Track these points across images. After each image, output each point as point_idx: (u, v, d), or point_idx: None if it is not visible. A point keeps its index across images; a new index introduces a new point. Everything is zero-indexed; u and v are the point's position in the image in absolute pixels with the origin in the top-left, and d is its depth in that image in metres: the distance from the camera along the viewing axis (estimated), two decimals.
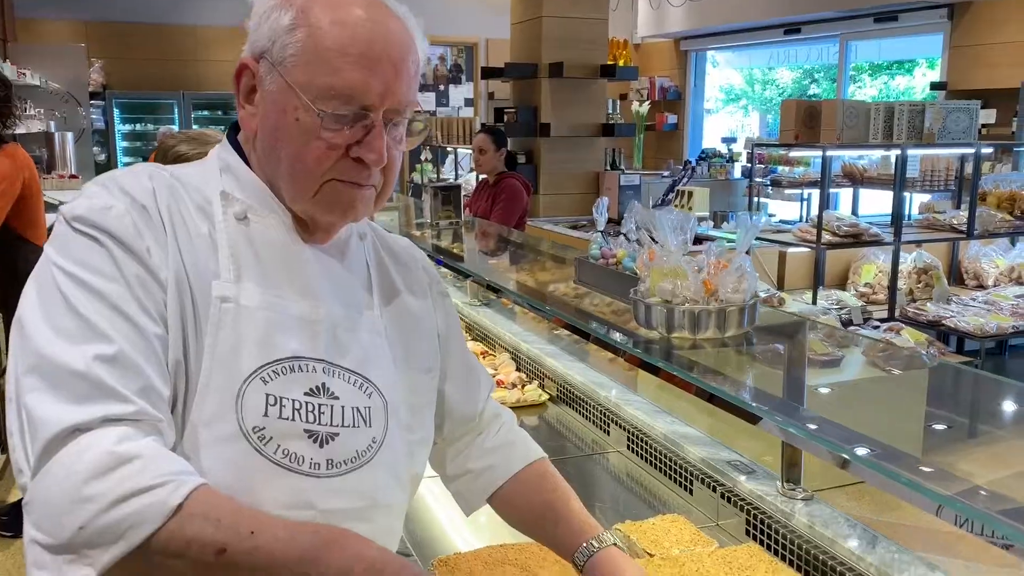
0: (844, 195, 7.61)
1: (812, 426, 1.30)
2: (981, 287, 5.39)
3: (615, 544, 1.12)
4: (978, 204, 5.21)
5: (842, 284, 5.39)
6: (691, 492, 1.87)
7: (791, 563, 1.52)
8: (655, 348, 1.53)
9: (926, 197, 6.58)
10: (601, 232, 2.22)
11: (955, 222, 5.18)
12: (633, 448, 2.12)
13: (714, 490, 1.78)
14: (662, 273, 1.54)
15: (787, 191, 8.07)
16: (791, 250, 5.05)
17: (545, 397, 2.57)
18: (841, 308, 4.65)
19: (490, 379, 1.32)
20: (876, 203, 7.29)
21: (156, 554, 0.76)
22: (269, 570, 0.78)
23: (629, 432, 2.14)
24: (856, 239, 4.83)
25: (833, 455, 1.16)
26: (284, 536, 0.79)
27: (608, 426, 2.27)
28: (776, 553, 1.55)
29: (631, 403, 2.25)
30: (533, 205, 6.32)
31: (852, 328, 4.26)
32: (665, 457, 1.97)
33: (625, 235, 1.95)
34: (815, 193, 7.68)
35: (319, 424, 0.95)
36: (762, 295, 2.05)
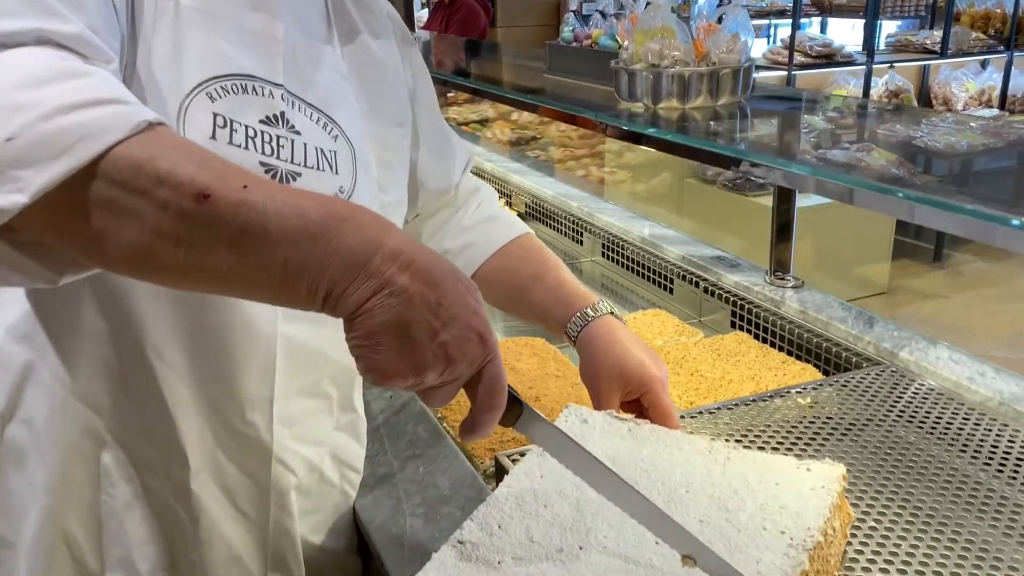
0: (811, 29, 7.35)
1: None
2: (950, 112, 5.28)
3: (611, 313, 1.01)
4: (952, 24, 5.03)
5: (811, 111, 5.24)
6: (671, 291, 1.77)
7: (781, 349, 1.43)
8: (640, 119, 1.37)
9: (894, 28, 6.37)
10: (573, 12, 2.01)
11: (928, 42, 5.01)
12: (608, 255, 2.01)
13: (696, 286, 1.68)
14: (648, 34, 1.36)
15: (754, 22, 7.77)
16: (760, 75, 4.85)
17: (513, 214, 2.44)
18: (810, 132, 4.53)
19: (467, 151, 1.18)
20: (843, 39, 7.06)
21: (113, 185, 0.54)
22: (261, 238, 0.56)
23: (604, 239, 2.03)
24: (828, 59, 4.65)
25: (835, 186, 1.04)
26: (285, 199, 0.57)
27: (581, 236, 2.15)
28: (765, 341, 1.47)
29: (605, 211, 2.14)
30: (489, 39, 5.98)
31: (822, 151, 4.16)
32: (642, 259, 1.86)
33: (601, 12, 1.75)
34: (780, 25, 7.42)
35: (278, 159, 0.79)
36: None
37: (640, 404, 0.97)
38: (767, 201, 4.10)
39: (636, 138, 1.34)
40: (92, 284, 0.77)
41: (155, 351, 0.78)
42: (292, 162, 0.81)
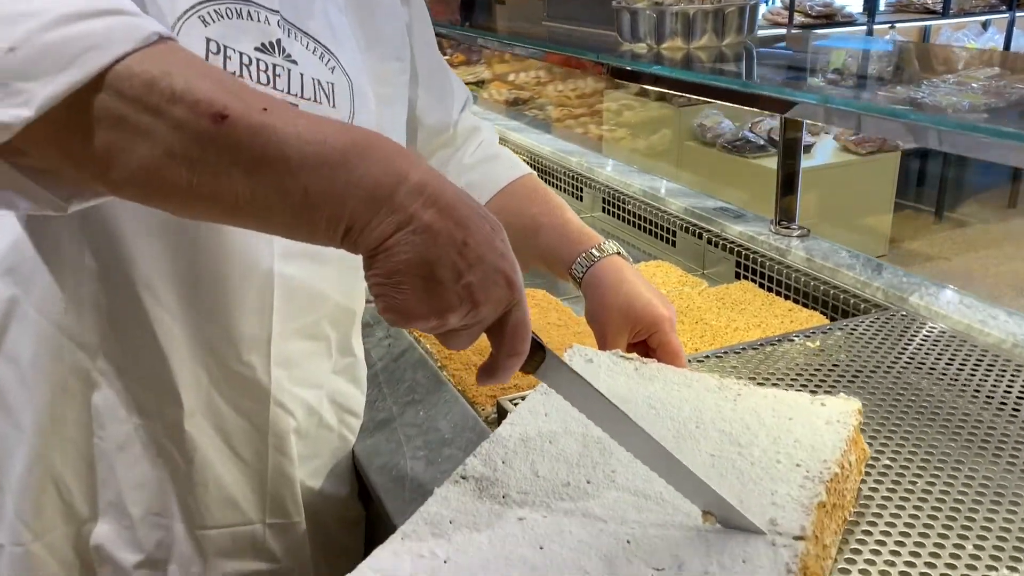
0: None
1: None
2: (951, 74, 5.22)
3: (618, 253, 0.97)
4: None
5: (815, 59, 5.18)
6: (674, 244, 1.74)
7: (787, 298, 1.41)
8: (644, 60, 1.33)
9: None
10: None
11: (930, 2, 4.94)
12: (608, 210, 1.98)
13: (700, 237, 1.64)
14: None
15: None
16: (759, 34, 4.79)
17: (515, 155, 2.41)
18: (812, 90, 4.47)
19: (466, 90, 1.14)
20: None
21: (124, 100, 0.51)
22: (280, 164, 0.53)
23: (604, 193, 1.99)
24: (829, 20, 4.57)
25: (846, 114, 1.00)
26: (307, 125, 0.54)
27: (581, 191, 2.12)
28: (771, 291, 1.44)
29: (605, 166, 2.10)
30: None
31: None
32: (644, 212, 1.83)
33: None
34: None
35: (274, 88, 0.76)
36: None
37: (647, 346, 0.94)
38: (767, 163, 4.05)
39: (640, 78, 1.30)
40: (80, 217, 0.74)
41: (147, 288, 0.75)
42: (288, 93, 0.78)
